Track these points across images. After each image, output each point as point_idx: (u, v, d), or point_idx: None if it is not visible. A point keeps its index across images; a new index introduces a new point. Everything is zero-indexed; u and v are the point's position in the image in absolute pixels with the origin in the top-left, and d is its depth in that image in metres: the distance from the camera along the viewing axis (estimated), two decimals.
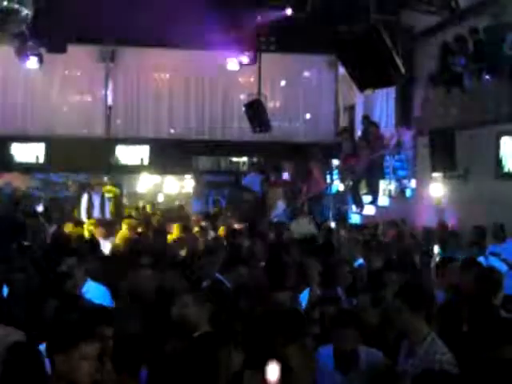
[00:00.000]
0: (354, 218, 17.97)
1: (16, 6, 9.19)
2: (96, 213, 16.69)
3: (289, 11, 15.50)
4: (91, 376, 4.41)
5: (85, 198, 17.01)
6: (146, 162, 20.41)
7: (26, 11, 9.31)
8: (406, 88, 17.49)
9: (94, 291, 7.93)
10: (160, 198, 23.95)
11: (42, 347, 4.82)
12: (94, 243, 11.68)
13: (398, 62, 9.81)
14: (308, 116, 21.91)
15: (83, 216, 16.50)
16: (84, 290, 7.88)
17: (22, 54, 17.93)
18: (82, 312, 5.62)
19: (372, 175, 18.01)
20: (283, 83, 21.80)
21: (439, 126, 15.53)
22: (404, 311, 5.88)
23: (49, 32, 16.04)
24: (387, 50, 9.80)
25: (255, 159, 21.02)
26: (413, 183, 17.64)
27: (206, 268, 9.43)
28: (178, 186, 24.37)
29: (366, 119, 19.01)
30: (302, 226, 15.70)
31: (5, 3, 9.14)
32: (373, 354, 6.14)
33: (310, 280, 8.55)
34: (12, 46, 17.53)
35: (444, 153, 14.65)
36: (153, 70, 21.12)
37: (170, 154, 19.98)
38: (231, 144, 20.75)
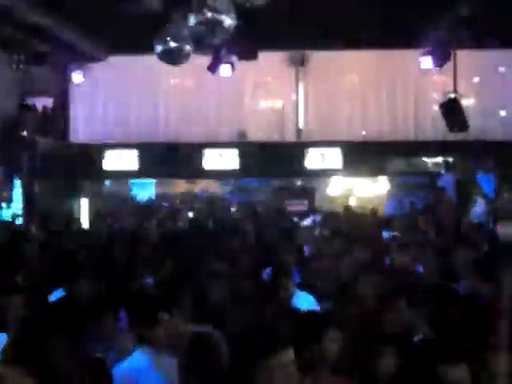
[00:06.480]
0: None
1: (221, 17, 9.29)
2: None
3: None
4: None
5: None
6: (337, 165, 20.15)
7: (229, 22, 9.37)
8: None
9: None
10: (352, 201, 23.73)
11: None
12: None
13: None
14: (504, 113, 20.97)
15: None
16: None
17: (215, 62, 18.34)
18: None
19: None
20: (477, 80, 20.99)
21: None
22: None
23: (240, 40, 16.23)
24: None
25: (450, 159, 20.32)
26: None
27: None
28: (372, 189, 24.03)
29: None
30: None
31: (209, 14, 9.26)
32: None
33: None
34: (205, 55, 17.87)
35: None
36: (343, 72, 20.96)
37: (363, 156, 19.65)
38: (425, 144, 20.18)
